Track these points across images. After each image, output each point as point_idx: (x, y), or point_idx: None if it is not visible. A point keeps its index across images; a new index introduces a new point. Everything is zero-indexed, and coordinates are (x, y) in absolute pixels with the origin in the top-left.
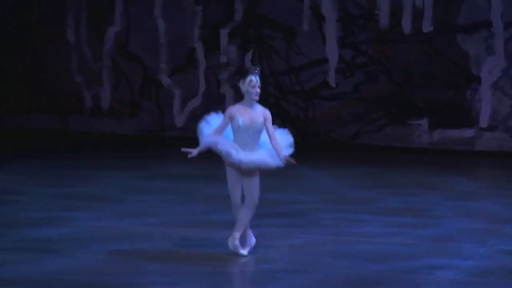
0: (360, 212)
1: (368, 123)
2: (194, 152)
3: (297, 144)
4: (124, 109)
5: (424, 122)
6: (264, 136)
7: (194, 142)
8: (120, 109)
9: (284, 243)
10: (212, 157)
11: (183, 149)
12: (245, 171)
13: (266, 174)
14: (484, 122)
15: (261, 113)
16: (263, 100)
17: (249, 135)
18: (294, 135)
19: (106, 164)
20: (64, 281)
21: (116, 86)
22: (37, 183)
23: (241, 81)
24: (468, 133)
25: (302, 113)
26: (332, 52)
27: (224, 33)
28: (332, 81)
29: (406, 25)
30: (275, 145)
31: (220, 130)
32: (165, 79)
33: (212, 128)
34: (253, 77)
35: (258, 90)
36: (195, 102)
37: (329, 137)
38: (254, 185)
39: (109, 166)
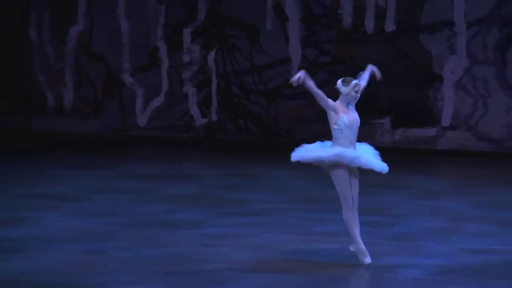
0: (322, 211)
1: None
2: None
3: (260, 143)
4: (87, 108)
5: (386, 121)
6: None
7: (157, 142)
8: (83, 109)
9: (246, 242)
10: (176, 157)
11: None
12: (353, 171)
13: (228, 173)
14: (446, 121)
15: (355, 110)
16: (227, 99)
17: (353, 132)
18: (256, 135)
19: (70, 163)
20: (29, 281)
21: (79, 86)
22: (0, 183)
23: (343, 83)
24: (430, 132)
25: (265, 113)
26: (295, 51)
27: (187, 33)
28: (294, 80)
29: (369, 24)
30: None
31: (323, 95)
32: (128, 78)
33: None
34: (358, 82)
35: (359, 95)
36: (157, 101)
37: (292, 136)
38: (357, 185)
39: (72, 165)
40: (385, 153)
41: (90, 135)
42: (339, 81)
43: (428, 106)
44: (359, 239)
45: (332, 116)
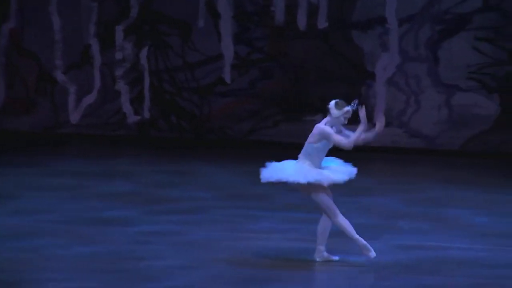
0: (255, 208)
1: (263, 119)
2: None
3: (192, 140)
4: (19, 106)
5: (319, 118)
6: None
7: (89, 139)
8: (15, 106)
9: (180, 239)
10: (109, 154)
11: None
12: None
13: (160, 171)
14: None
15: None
16: (159, 96)
17: (327, 151)
18: (189, 132)
19: (1, 161)
20: None
21: (10, 83)
22: None
23: (336, 106)
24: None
25: (198, 110)
26: (227, 48)
27: (119, 30)
28: (227, 77)
29: (302, 21)
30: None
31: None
32: (60, 76)
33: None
34: (350, 109)
35: (346, 122)
36: (90, 99)
37: (224, 133)
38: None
39: (4, 162)
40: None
41: (22, 132)
42: (332, 103)
43: (361, 103)
44: (357, 236)
45: (322, 140)
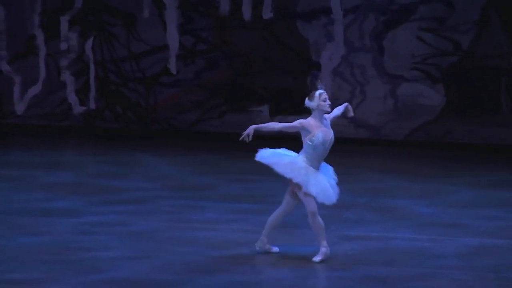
0: (201, 198)
1: (209, 110)
2: (250, 129)
3: (138, 131)
4: None
5: (264, 109)
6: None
7: (35, 130)
8: None
9: (125, 230)
10: (54, 145)
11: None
12: None
13: (106, 161)
14: None
15: (329, 126)
16: (105, 87)
17: (325, 149)
18: (134, 122)
19: None
20: None
21: None
22: None
23: (309, 99)
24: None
25: (143, 100)
26: (172, 39)
27: (64, 20)
28: (172, 68)
29: (246, 11)
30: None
31: (283, 128)
32: (4, 66)
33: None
34: (321, 91)
35: (329, 102)
36: (35, 90)
37: (169, 124)
38: None
39: None
40: (262, 141)
41: None
42: (306, 100)
43: (306, 94)
44: (325, 242)
45: (303, 133)
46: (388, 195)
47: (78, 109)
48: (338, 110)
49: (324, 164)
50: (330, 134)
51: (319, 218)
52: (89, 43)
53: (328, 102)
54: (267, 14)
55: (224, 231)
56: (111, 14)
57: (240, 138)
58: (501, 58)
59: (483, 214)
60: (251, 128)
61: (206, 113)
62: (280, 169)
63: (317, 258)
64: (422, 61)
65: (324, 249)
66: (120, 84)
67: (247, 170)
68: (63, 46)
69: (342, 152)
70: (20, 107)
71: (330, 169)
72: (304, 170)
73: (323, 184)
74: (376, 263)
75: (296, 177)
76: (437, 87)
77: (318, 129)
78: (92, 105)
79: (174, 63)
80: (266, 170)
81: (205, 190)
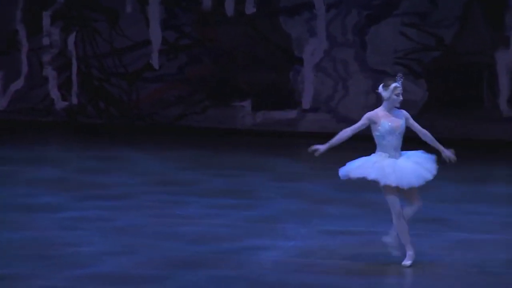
0: (183, 194)
1: (192, 105)
2: (322, 148)
3: (121, 126)
4: None
5: (247, 104)
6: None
7: (17, 125)
8: None
9: (108, 225)
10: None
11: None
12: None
13: (88, 157)
14: (306, 103)
15: (402, 116)
16: (87, 82)
17: (396, 138)
18: (117, 118)
19: None
20: None
21: None
22: None
23: (383, 87)
24: (291, 114)
25: (126, 96)
26: (155, 34)
27: (46, 16)
28: (155, 63)
29: (229, 7)
30: (430, 138)
31: (354, 129)
32: None
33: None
34: (397, 84)
35: (401, 98)
36: (17, 85)
37: (152, 119)
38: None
39: None
40: (246, 136)
41: None
42: (380, 86)
43: (289, 89)
44: (410, 245)
45: (372, 126)
46: (370, 189)
47: (60, 104)
48: (432, 142)
49: (411, 152)
50: (399, 123)
51: (403, 220)
52: (71, 38)
53: (400, 97)
54: (250, 9)
55: (207, 226)
56: (94, 10)
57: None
58: (483, 54)
59: (467, 209)
60: (322, 149)
61: (189, 108)
62: (356, 173)
63: (406, 262)
64: (405, 56)
65: (410, 253)
66: (102, 79)
67: (230, 165)
68: (46, 41)
69: None
70: (2, 102)
71: (417, 154)
72: (377, 163)
73: (401, 169)
74: (358, 258)
75: (370, 174)
76: (419, 82)
77: (385, 118)
78: (75, 100)
79: (157, 59)
80: (249, 166)
81: (188, 185)
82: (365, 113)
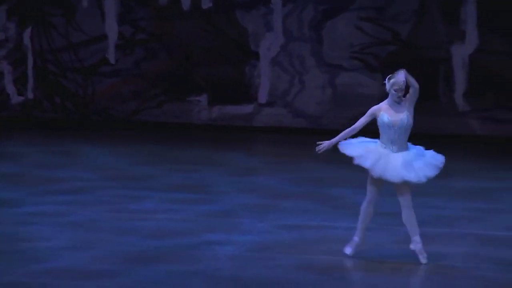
0: (140, 189)
1: (148, 99)
2: (325, 144)
3: (77, 121)
4: None
5: (203, 99)
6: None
7: None
8: None
9: (65, 220)
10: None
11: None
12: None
13: (44, 151)
14: (263, 98)
15: (405, 108)
16: (43, 77)
17: (395, 132)
18: (73, 113)
19: None
20: None
21: None
22: None
23: (388, 80)
24: (247, 109)
25: (82, 90)
26: (111, 29)
27: (2, 10)
28: (111, 57)
29: (186, 1)
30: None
31: (358, 127)
32: None
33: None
34: (399, 80)
35: (401, 94)
36: None
37: (108, 114)
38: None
39: None
40: (202, 130)
41: None
42: (387, 78)
43: (245, 83)
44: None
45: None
46: (327, 184)
47: (16, 99)
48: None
49: (418, 148)
50: (399, 118)
51: (363, 213)
52: (27, 33)
53: (400, 94)
54: (206, 4)
55: (163, 221)
56: (50, 4)
57: (317, 149)
58: (439, 48)
59: (422, 203)
60: (326, 144)
61: (145, 103)
62: (351, 153)
63: (347, 250)
64: (361, 50)
65: (356, 238)
66: (58, 74)
67: (186, 160)
68: (1, 36)
69: (281, 142)
70: None
71: (418, 150)
72: (372, 153)
73: (389, 162)
74: (314, 252)
75: (364, 162)
76: (375, 76)
77: (385, 111)
78: (30, 95)
79: (113, 53)
80: (205, 160)
81: (144, 180)
82: (321, 108)
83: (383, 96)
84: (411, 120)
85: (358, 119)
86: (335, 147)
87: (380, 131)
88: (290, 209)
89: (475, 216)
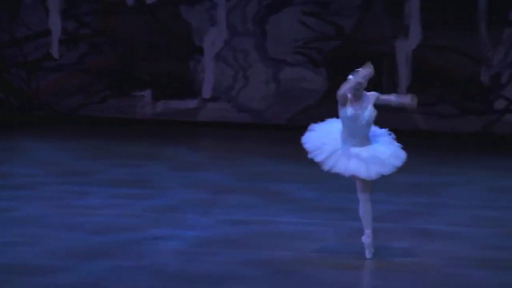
0: (84, 184)
1: (92, 95)
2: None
3: (21, 116)
4: None
5: (147, 93)
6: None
7: None
8: None
9: (8, 215)
10: None
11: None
12: None
13: None
14: (207, 93)
15: (368, 104)
16: None
17: (356, 126)
18: (17, 108)
19: None
20: None
21: None
22: None
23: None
24: (192, 104)
25: (26, 85)
26: (55, 24)
27: None
28: (55, 53)
29: None
30: (396, 100)
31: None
32: None
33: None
34: (351, 77)
35: (352, 92)
36: None
37: (52, 109)
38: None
39: None
40: (146, 125)
41: None
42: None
43: (189, 78)
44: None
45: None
46: (272, 179)
47: None
48: (397, 99)
49: (384, 141)
50: (363, 113)
51: (363, 206)
52: None
53: (352, 91)
54: None
55: (108, 216)
56: None
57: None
58: (383, 43)
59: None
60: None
61: (89, 98)
62: (309, 146)
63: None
64: (305, 45)
65: (364, 238)
66: (2, 69)
67: (131, 155)
68: None
69: (225, 136)
70: None
71: (381, 145)
72: (328, 146)
73: (345, 157)
74: (259, 247)
75: (316, 157)
76: (319, 71)
77: (351, 104)
78: None
79: (57, 48)
80: (149, 155)
81: (89, 175)
82: (265, 103)
83: (326, 91)
84: (374, 114)
85: (302, 113)
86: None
87: (342, 124)
88: (234, 204)
89: (419, 211)
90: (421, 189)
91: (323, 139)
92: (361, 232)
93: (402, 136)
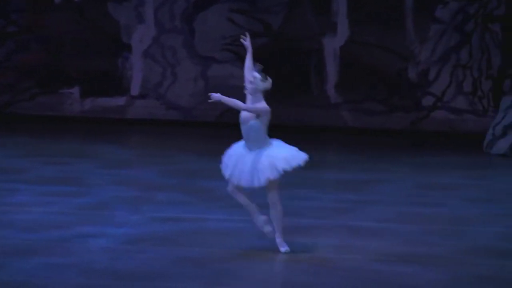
0: (12, 181)
1: (20, 92)
2: (217, 96)
3: None
4: None
5: (75, 91)
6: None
7: None
8: None
9: None
10: None
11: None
12: None
13: None
14: (135, 90)
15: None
16: None
17: (245, 129)
18: None
19: None
20: None
21: None
22: None
23: (264, 77)
24: (120, 101)
25: None
26: None
27: None
28: None
29: None
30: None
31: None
32: None
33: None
34: (254, 74)
35: (247, 87)
36: None
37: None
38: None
39: None
40: (74, 123)
41: None
42: (263, 75)
43: (117, 75)
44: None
45: None
46: (200, 176)
47: None
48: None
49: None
50: (246, 118)
51: (272, 209)
52: None
53: (247, 87)
54: None
55: (37, 214)
56: None
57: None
58: (311, 40)
59: (294, 194)
60: (218, 97)
61: (17, 96)
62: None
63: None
64: (233, 42)
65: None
66: None
67: (59, 152)
68: None
69: (154, 134)
70: None
71: (267, 151)
72: (230, 159)
73: (242, 165)
74: (187, 245)
75: (225, 171)
76: None
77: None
78: None
79: None
80: (77, 153)
81: (17, 173)
82: (193, 100)
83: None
84: (259, 120)
85: (230, 111)
86: None
87: None
88: (164, 201)
89: (346, 208)
90: (349, 186)
91: (228, 151)
92: (289, 229)
93: (330, 133)
